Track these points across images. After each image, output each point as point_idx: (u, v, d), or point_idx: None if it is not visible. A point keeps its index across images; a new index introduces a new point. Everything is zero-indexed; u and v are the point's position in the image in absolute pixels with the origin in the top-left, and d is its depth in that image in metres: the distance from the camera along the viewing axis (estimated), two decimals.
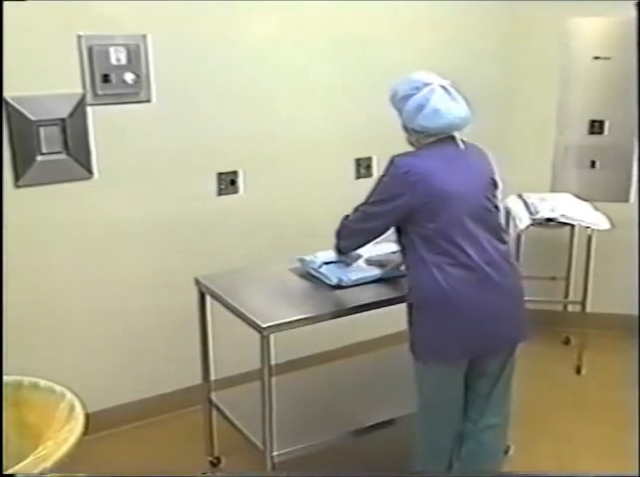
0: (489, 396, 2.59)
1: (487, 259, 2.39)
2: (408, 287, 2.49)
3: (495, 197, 2.52)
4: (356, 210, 2.53)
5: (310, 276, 2.83)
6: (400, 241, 2.51)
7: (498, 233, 2.48)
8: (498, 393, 2.59)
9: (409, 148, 2.50)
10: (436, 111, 2.35)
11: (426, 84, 2.38)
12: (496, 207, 2.50)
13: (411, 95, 2.38)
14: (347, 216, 2.58)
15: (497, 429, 2.64)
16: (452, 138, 2.42)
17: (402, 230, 2.45)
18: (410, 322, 2.50)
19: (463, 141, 2.45)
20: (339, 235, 2.63)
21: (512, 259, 2.52)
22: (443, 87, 2.38)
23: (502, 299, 2.44)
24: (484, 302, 2.39)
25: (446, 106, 2.36)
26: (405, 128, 2.47)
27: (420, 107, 2.36)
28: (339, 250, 2.70)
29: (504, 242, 2.49)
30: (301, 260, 2.90)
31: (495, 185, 2.52)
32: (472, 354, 2.47)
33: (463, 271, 2.36)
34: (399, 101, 2.43)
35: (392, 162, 2.40)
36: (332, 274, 2.75)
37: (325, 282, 2.75)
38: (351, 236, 2.59)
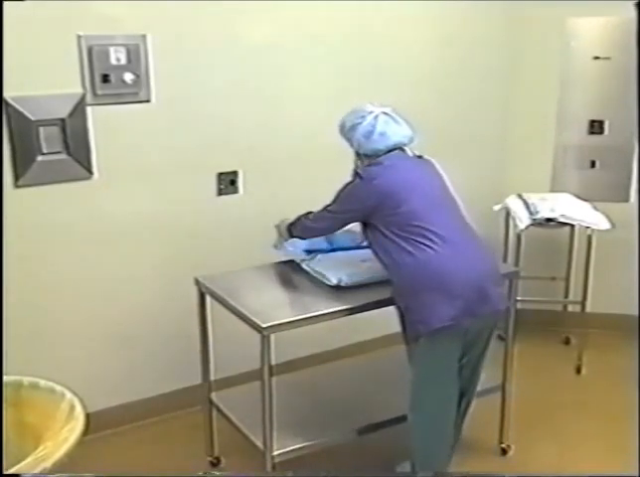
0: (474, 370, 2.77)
1: (455, 231, 2.58)
2: (389, 272, 2.59)
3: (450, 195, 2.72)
4: (324, 208, 2.69)
5: (310, 276, 2.84)
6: (365, 232, 2.67)
7: (462, 217, 2.68)
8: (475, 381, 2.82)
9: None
10: (383, 134, 2.58)
11: (370, 113, 2.60)
12: (451, 198, 2.71)
13: (359, 124, 2.60)
14: (309, 213, 2.76)
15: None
16: (403, 151, 2.64)
17: (367, 222, 2.62)
18: (399, 306, 2.61)
19: (415, 154, 2.68)
20: (295, 228, 2.81)
21: (480, 239, 2.69)
22: (385, 114, 2.60)
23: (484, 267, 2.61)
24: (470, 271, 2.54)
25: (391, 130, 2.59)
26: (358, 154, 2.67)
27: (369, 134, 2.58)
28: (292, 236, 2.87)
29: (469, 225, 2.69)
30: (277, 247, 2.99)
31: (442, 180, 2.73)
32: (465, 319, 2.54)
33: (435, 244, 2.50)
34: (348, 132, 2.64)
35: (357, 174, 2.60)
36: (330, 271, 2.76)
37: (323, 282, 2.75)
38: (307, 231, 2.80)
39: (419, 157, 2.70)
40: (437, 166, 2.74)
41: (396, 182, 2.54)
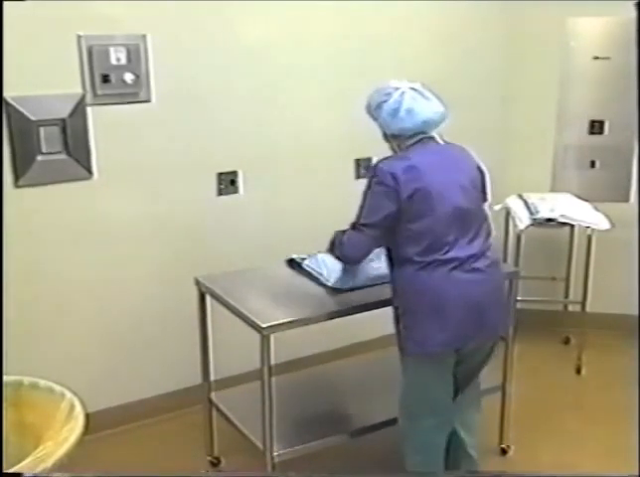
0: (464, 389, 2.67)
1: (471, 254, 2.44)
2: (393, 287, 2.52)
3: (483, 192, 2.57)
4: (353, 225, 2.50)
5: (310, 276, 2.84)
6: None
7: (482, 228, 2.52)
8: (471, 388, 2.70)
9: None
10: (410, 111, 2.41)
11: (396, 89, 2.44)
12: (482, 202, 2.56)
13: (384, 102, 2.44)
14: (343, 231, 2.54)
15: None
16: (432, 138, 2.48)
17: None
18: (397, 320, 2.55)
19: (445, 141, 2.50)
20: (339, 247, 2.55)
21: (494, 254, 2.57)
22: (413, 89, 2.45)
23: (486, 292, 2.50)
24: (469, 296, 2.44)
25: (419, 106, 2.42)
26: (385, 135, 2.53)
27: (395, 111, 2.42)
28: (344, 260, 2.63)
29: (487, 237, 2.54)
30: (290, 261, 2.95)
31: (482, 180, 2.56)
32: (459, 345, 2.51)
33: (448, 268, 2.40)
34: (374, 111, 2.49)
35: (375, 167, 2.44)
36: (332, 274, 2.75)
37: (323, 283, 2.75)
38: (358, 249, 2.52)
39: (452, 145, 2.52)
40: (473, 155, 2.56)
41: (415, 189, 2.35)
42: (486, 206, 2.60)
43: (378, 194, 2.41)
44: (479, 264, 2.45)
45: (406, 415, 2.65)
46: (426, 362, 2.52)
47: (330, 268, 2.78)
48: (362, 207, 2.47)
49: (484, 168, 2.58)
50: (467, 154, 2.56)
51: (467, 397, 2.70)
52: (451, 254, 2.40)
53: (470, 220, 2.46)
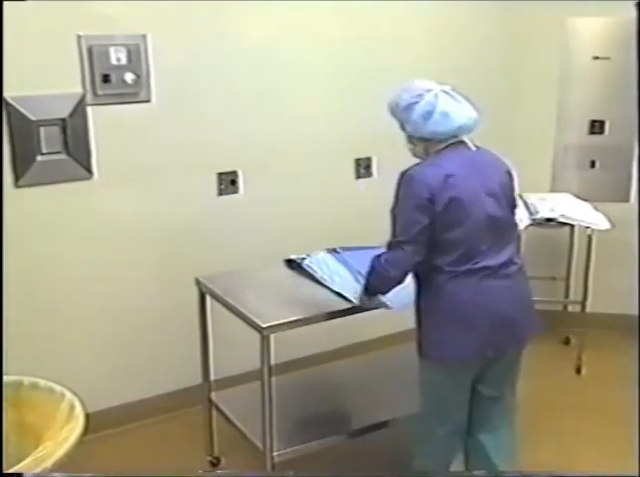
0: (483, 422, 2.58)
1: (502, 262, 2.37)
2: (419, 294, 2.43)
3: (512, 198, 2.48)
4: (390, 244, 2.36)
5: (310, 276, 2.83)
6: None
7: (512, 235, 2.46)
8: (494, 423, 2.59)
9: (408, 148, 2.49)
10: (445, 115, 2.29)
11: (428, 91, 2.32)
12: (512, 209, 2.47)
13: (415, 103, 2.31)
14: (378, 256, 2.39)
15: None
16: (462, 143, 2.37)
17: None
18: (420, 324, 2.45)
19: (476, 146, 2.41)
20: (380, 272, 2.39)
21: (520, 259, 2.49)
22: (445, 92, 2.34)
23: (516, 299, 2.44)
24: (499, 306, 2.38)
25: (454, 109, 2.31)
26: (411, 138, 2.40)
27: (428, 114, 2.29)
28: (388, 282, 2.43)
29: (513, 243, 2.47)
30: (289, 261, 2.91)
31: (511, 185, 2.48)
32: (488, 353, 2.43)
33: (479, 277, 2.33)
34: (402, 112, 2.35)
35: (403, 177, 2.32)
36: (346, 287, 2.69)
37: (328, 285, 2.75)
38: (402, 267, 2.35)
39: (483, 150, 2.43)
40: (500, 159, 2.48)
41: (447, 198, 2.26)
42: (514, 217, 2.52)
43: (411, 208, 2.29)
44: (509, 271, 2.39)
45: (420, 419, 2.58)
46: (445, 368, 2.43)
47: (342, 277, 2.75)
48: (394, 223, 2.34)
49: (514, 173, 2.51)
50: (497, 159, 2.47)
51: (495, 408, 2.58)
52: (483, 263, 2.33)
53: (502, 227, 2.39)
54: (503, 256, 2.38)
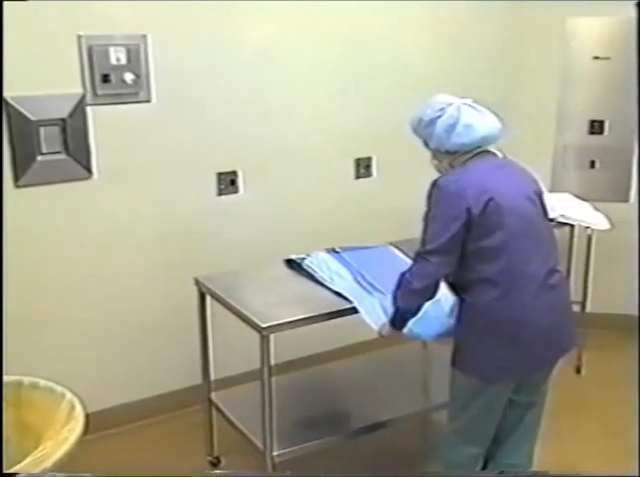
0: (514, 428, 2.59)
1: (549, 270, 2.34)
2: (463, 308, 2.34)
3: (543, 206, 2.45)
4: (416, 256, 2.33)
5: (310, 276, 2.83)
6: None
7: (553, 242, 2.43)
8: (524, 427, 2.61)
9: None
10: (468, 126, 2.29)
11: (450, 104, 2.32)
12: (545, 216, 2.44)
13: (438, 117, 2.31)
14: (404, 271, 2.35)
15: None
16: (489, 152, 2.37)
17: None
18: (461, 339, 2.38)
19: (504, 155, 2.41)
20: (406, 285, 2.33)
21: (560, 267, 2.45)
22: (467, 104, 2.33)
23: (561, 311, 2.41)
24: (545, 322, 2.34)
25: (478, 120, 2.31)
26: (436, 154, 2.39)
27: (452, 127, 2.29)
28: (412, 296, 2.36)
29: (556, 250, 2.44)
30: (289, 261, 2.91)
31: (540, 196, 2.44)
32: (533, 368, 2.42)
33: (529, 288, 2.29)
34: (425, 128, 2.35)
35: (435, 186, 2.29)
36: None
37: (327, 285, 2.75)
38: (426, 278, 2.30)
39: (509, 160, 2.42)
40: (528, 172, 2.48)
41: (483, 204, 2.22)
42: (550, 224, 2.51)
43: (443, 216, 2.26)
44: (554, 280, 2.35)
45: (453, 437, 2.52)
46: (491, 386, 2.39)
47: (342, 277, 2.74)
48: (425, 233, 2.30)
49: (542, 186, 2.50)
50: (524, 168, 2.47)
51: (528, 414, 2.62)
52: (531, 270, 2.28)
53: (542, 232, 2.36)
54: (548, 264, 2.34)
